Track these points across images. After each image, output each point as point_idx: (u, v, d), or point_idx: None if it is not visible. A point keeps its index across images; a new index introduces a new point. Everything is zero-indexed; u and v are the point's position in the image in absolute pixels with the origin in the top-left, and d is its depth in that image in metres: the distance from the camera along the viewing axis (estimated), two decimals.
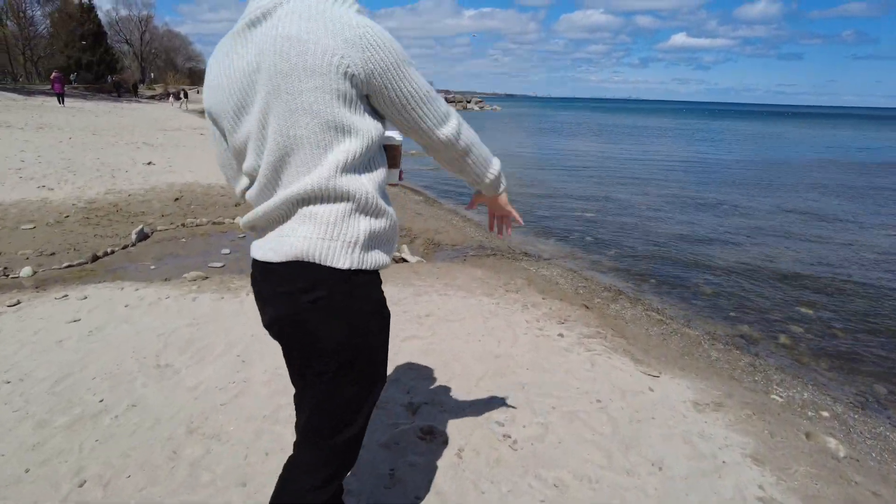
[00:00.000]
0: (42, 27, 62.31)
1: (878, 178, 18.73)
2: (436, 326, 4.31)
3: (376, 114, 1.45)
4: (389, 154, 1.61)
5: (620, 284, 6.83)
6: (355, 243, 1.40)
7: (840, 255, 8.68)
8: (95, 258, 6.70)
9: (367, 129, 1.39)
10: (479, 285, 5.58)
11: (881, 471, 3.26)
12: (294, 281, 1.42)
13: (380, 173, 1.46)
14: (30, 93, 36.25)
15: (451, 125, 1.54)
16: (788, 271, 7.74)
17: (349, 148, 1.39)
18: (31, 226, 7.71)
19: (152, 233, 7.85)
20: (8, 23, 55.75)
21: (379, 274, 1.50)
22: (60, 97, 30.65)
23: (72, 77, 53.70)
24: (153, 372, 3.50)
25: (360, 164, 1.40)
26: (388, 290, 5.10)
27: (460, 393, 3.38)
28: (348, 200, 1.41)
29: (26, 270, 6.03)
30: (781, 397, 4.11)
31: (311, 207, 1.40)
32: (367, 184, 1.41)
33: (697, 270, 7.64)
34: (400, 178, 1.84)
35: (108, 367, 3.54)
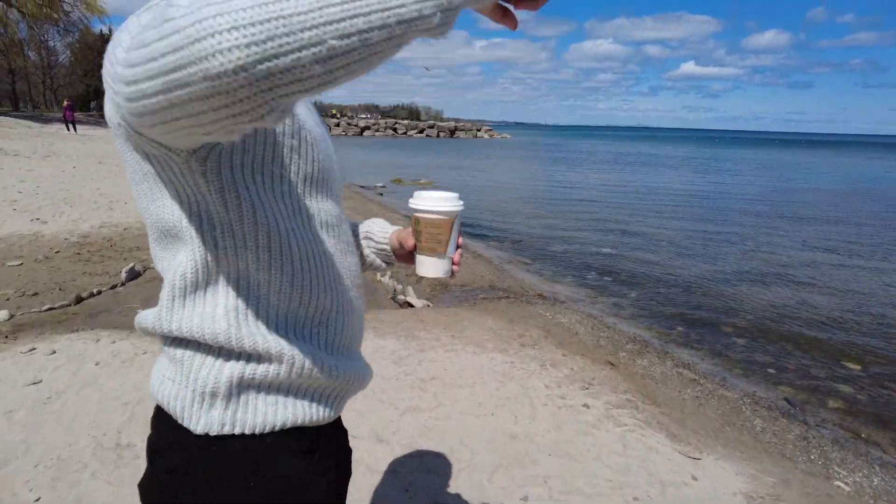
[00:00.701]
0: (63, 56, 63.53)
1: None
2: (441, 394, 3.77)
3: (205, 183, 0.82)
4: (417, 231, 1.19)
5: (645, 334, 6.25)
6: (214, 395, 0.89)
7: (879, 296, 8.06)
8: (80, 300, 6.24)
9: (190, 227, 0.86)
10: (491, 338, 5.04)
11: None
12: (155, 431, 0.98)
13: (254, 298, 0.90)
14: (47, 120, 36.68)
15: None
16: (826, 317, 7.13)
17: (178, 265, 0.89)
18: (19, 262, 7.30)
19: (144, 270, 7.40)
20: (30, 53, 56.85)
21: (294, 437, 0.94)
22: (72, 124, 30.84)
23: (92, 105, 54.59)
24: (109, 456, 2.98)
25: (197, 288, 0.90)
26: (391, 345, 4.58)
27: (470, 491, 2.82)
28: (187, 345, 0.92)
29: (2, 314, 5.60)
30: (847, 484, 3.51)
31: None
32: (213, 322, 0.88)
33: (726, 316, 7.05)
34: (452, 274, 1.22)
35: (57, 448, 3.03)
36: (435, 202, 1.15)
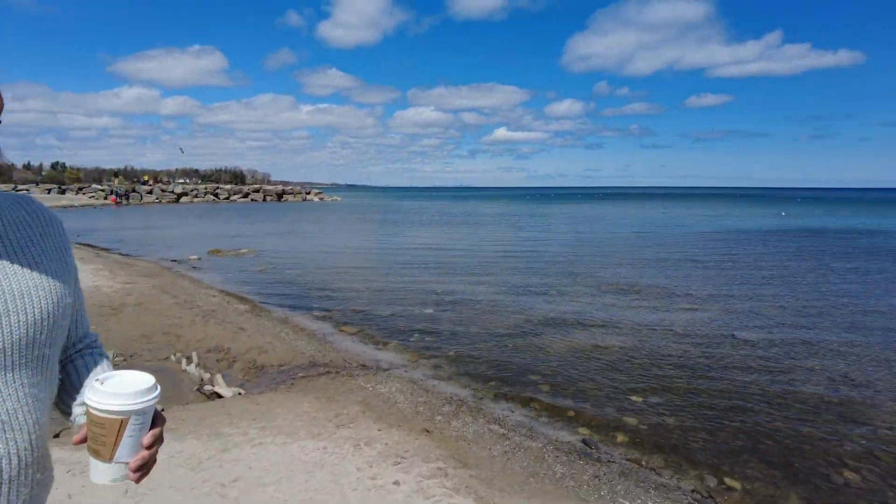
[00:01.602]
0: None
1: (684, 250, 21.43)
2: (243, 498, 3.53)
3: None
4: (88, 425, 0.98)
5: (462, 392, 6.52)
6: None
7: (655, 332, 9.35)
8: None
9: None
10: (305, 423, 4.88)
11: None
12: None
13: None
14: None
15: None
16: (616, 357, 8.07)
17: None
18: None
19: None
20: None
21: None
22: None
23: None
24: None
25: None
26: (189, 448, 4.20)
27: None
28: None
29: None
30: None
31: None
32: None
33: (535, 365, 7.64)
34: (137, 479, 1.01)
35: None
36: (105, 396, 0.93)
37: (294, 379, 6.51)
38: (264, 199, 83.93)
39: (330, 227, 34.67)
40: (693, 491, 4.51)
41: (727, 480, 4.71)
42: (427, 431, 4.97)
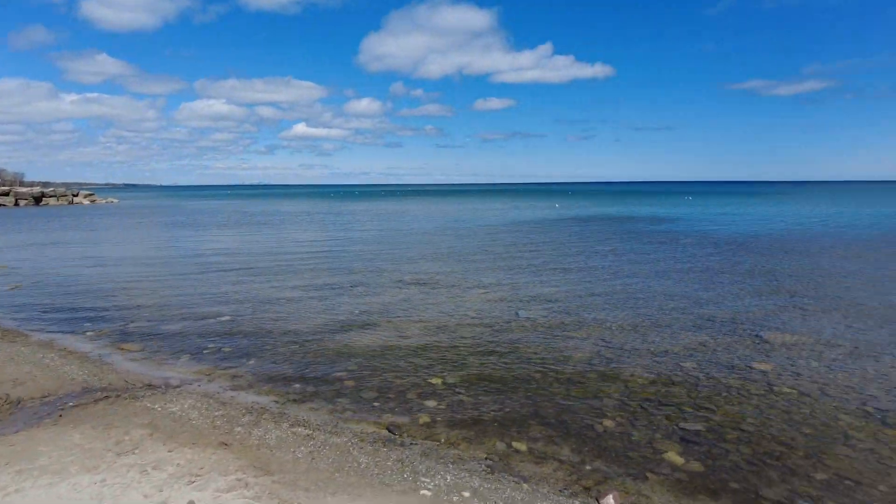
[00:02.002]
0: None
1: (477, 242, 23.10)
2: None
3: None
4: None
5: (263, 400, 6.31)
6: None
7: (452, 319, 10.02)
8: None
9: None
10: (77, 457, 4.29)
11: None
12: None
13: None
14: None
15: None
16: (417, 344, 8.48)
17: None
18: None
19: None
20: None
21: None
22: None
23: None
24: None
25: None
26: None
27: None
28: None
29: None
30: (430, 490, 4.19)
31: None
32: None
33: (339, 362, 7.68)
34: None
35: None
36: None
37: (62, 410, 5.67)
38: (16, 204, 70.40)
39: (104, 234, 30.39)
40: (486, 458, 4.98)
41: (515, 444, 5.29)
42: (225, 445, 4.73)
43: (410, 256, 18.95)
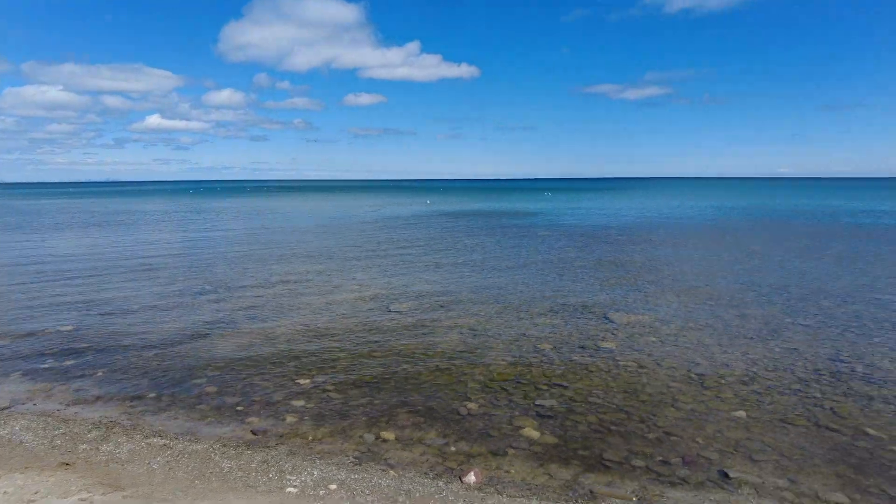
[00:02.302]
0: None
1: (350, 238, 22.82)
2: None
3: None
4: None
5: (113, 413, 5.83)
6: None
7: (321, 317, 9.91)
8: None
9: None
10: None
11: None
12: None
13: None
14: None
15: None
16: (284, 345, 8.29)
17: None
18: None
19: None
20: None
21: None
22: None
23: None
24: None
25: None
26: None
27: None
28: None
29: None
30: (296, 487, 4.18)
31: None
32: None
33: (200, 368, 7.30)
34: None
35: None
36: None
37: None
38: None
39: None
40: (354, 451, 5.04)
41: (383, 434, 5.40)
42: (67, 465, 4.33)
43: (279, 256, 18.32)
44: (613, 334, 8.82)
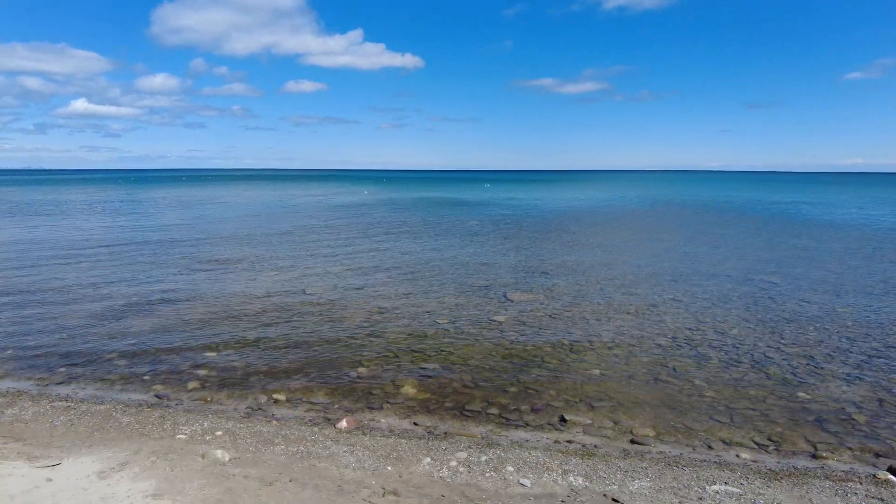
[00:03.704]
0: None
1: (279, 226, 23.01)
2: None
3: None
4: None
5: (22, 385, 6.23)
6: None
7: (236, 298, 10.39)
8: None
9: None
10: None
11: (255, 457, 4.33)
12: None
13: None
14: None
15: None
16: (196, 324, 8.75)
17: None
18: None
19: None
20: None
21: None
22: None
23: None
24: None
25: None
26: None
27: None
28: None
29: None
30: (186, 433, 4.80)
31: None
32: None
33: (111, 345, 7.70)
34: None
35: None
36: None
37: None
38: None
39: None
40: (246, 408, 5.69)
41: (275, 396, 6.06)
42: None
43: (206, 243, 18.43)
44: (506, 310, 9.75)
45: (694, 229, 23.57)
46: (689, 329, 8.78)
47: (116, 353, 7.35)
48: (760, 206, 38.70)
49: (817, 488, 4.24)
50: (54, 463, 3.98)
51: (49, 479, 3.73)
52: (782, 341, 8.14)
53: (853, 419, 5.67)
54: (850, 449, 5.07)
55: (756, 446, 5.10)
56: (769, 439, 5.24)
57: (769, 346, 7.91)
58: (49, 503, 3.42)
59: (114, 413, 5.25)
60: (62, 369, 6.80)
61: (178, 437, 4.72)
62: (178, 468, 4.01)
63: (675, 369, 7.07)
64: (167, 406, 5.62)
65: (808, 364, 7.21)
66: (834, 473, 4.56)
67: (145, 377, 6.54)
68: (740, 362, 7.26)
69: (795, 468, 4.66)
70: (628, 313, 9.71)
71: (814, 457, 4.93)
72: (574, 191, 67.24)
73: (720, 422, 5.58)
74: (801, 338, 8.30)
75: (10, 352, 7.45)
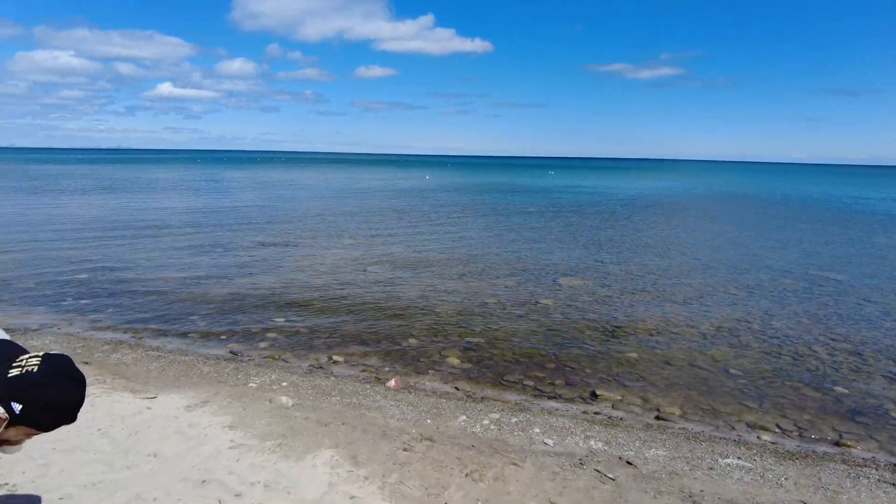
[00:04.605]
0: None
1: (346, 208, 24.13)
2: None
3: None
4: None
5: (121, 336, 7.23)
6: None
7: (304, 272, 11.27)
8: None
9: None
10: None
11: (314, 405, 5.00)
12: None
13: None
14: None
15: None
16: (268, 293, 9.65)
17: None
18: None
19: None
20: None
21: None
22: None
23: None
24: None
25: None
26: None
27: None
28: None
29: None
30: (256, 383, 5.55)
31: None
32: None
33: (194, 308, 8.68)
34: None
35: None
36: None
37: None
38: None
39: None
40: (308, 365, 6.41)
41: (335, 357, 6.75)
42: (86, 363, 5.72)
43: (278, 221, 19.68)
44: (555, 293, 10.11)
45: (762, 223, 22.82)
46: (736, 320, 8.86)
47: (198, 315, 8.30)
48: (846, 202, 36.62)
49: (830, 470, 4.46)
50: (152, 396, 4.79)
51: (149, 408, 4.53)
52: (831, 337, 8.12)
53: (889, 415, 5.74)
54: (877, 441, 5.20)
55: (779, 430, 5.33)
56: (795, 425, 5.44)
57: (816, 341, 7.92)
58: (151, 424, 4.20)
59: (196, 363, 6.08)
60: (153, 325, 7.79)
61: (249, 385, 5.47)
62: (249, 409, 4.73)
63: (713, 357, 7.26)
64: (240, 360, 6.42)
65: (853, 361, 7.21)
66: (852, 459, 4.74)
67: (222, 336, 7.41)
68: (781, 354, 7.36)
69: (814, 452, 4.87)
70: (676, 302, 9.85)
71: (836, 444, 5.10)
72: (642, 180, 65.57)
73: (748, 406, 5.80)
74: (853, 336, 8.23)
75: (111, 309, 8.56)
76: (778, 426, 5.41)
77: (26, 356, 1.55)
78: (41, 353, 1.58)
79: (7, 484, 3.28)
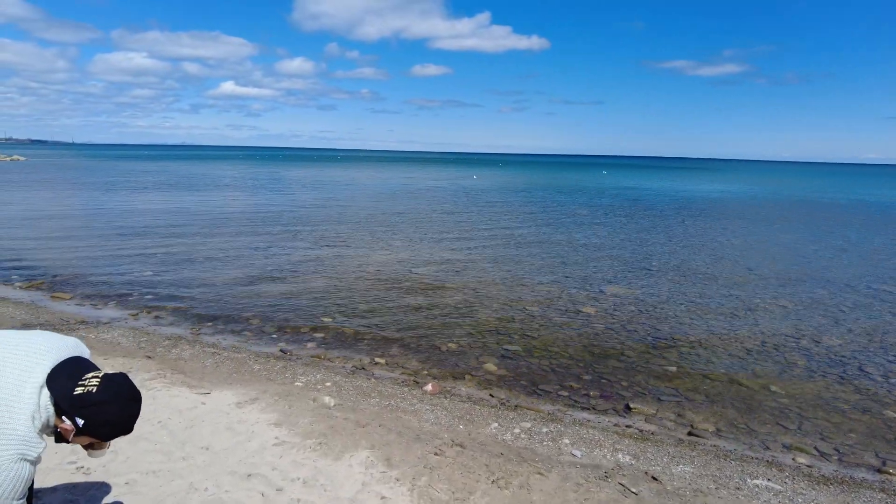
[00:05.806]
0: None
1: (396, 207, 24.66)
2: None
3: None
4: None
5: (181, 331, 7.78)
6: None
7: (352, 274, 11.68)
8: None
9: None
10: None
11: (354, 405, 5.30)
12: None
13: None
14: None
15: None
16: (318, 293, 10.09)
17: None
18: None
19: None
20: None
21: None
22: None
23: None
24: None
25: None
26: None
27: None
28: None
29: None
30: (302, 382, 5.90)
31: None
32: None
33: (248, 306, 9.20)
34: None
35: None
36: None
37: None
38: None
39: (17, 191, 29.69)
40: (352, 366, 6.73)
41: (377, 359, 7.05)
42: (149, 357, 6.23)
43: (331, 220, 20.33)
44: (598, 302, 10.12)
45: (824, 231, 21.84)
46: (783, 335, 8.65)
47: (252, 314, 8.80)
48: None
49: (865, 498, 4.40)
50: (206, 392, 5.20)
51: (203, 403, 4.93)
52: (886, 359, 7.83)
53: None
54: None
55: (817, 453, 5.25)
56: (835, 449, 5.35)
57: (869, 361, 7.66)
58: (204, 419, 4.59)
59: (248, 361, 6.50)
60: (209, 322, 8.32)
61: (295, 383, 5.82)
62: (294, 407, 5.06)
63: (755, 373, 7.15)
64: (289, 359, 6.81)
65: None
66: (892, 488, 4.65)
67: (273, 335, 7.85)
68: (828, 373, 7.17)
69: (851, 478, 4.80)
70: (723, 314, 9.68)
71: (878, 471, 4.99)
72: (700, 181, 63.54)
73: (786, 427, 5.73)
74: None
75: (171, 305, 9.18)
76: (816, 449, 5.33)
77: (90, 375, 1.88)
78: (101, 374, 1.90)
79: (83, 468, 3.70)
